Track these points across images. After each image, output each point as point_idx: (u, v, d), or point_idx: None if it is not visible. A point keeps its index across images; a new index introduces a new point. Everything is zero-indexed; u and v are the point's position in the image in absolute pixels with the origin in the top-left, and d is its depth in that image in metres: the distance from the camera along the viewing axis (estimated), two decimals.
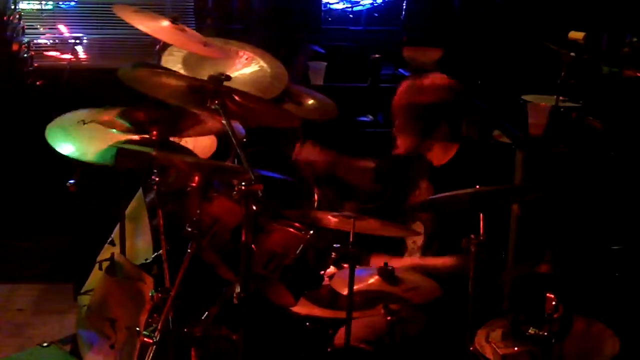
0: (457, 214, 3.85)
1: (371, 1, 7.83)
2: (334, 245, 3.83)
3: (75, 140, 4.20)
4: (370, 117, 6.96)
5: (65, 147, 4.16)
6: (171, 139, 3.95)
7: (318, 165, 4.61)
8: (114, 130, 4.00)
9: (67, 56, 6.92)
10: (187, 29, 4.38)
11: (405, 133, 4.27)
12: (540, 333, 3.45)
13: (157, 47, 4.54)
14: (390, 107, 4.34)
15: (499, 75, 5.98)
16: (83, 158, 4.18)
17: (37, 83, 7.05)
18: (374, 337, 3.91)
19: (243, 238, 3.29)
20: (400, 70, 7.11)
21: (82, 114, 4.33)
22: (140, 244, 4.61)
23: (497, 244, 4.44)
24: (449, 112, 4.23)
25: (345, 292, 3.44)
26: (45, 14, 7.55)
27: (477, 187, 3.56)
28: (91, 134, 4.20)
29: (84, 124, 4.26)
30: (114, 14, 4.43)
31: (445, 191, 3.68)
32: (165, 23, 4.28)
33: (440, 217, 4.10)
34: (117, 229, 4.57)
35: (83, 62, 7.33)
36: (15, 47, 7.01)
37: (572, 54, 4.94)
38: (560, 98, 4.88)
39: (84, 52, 7.35)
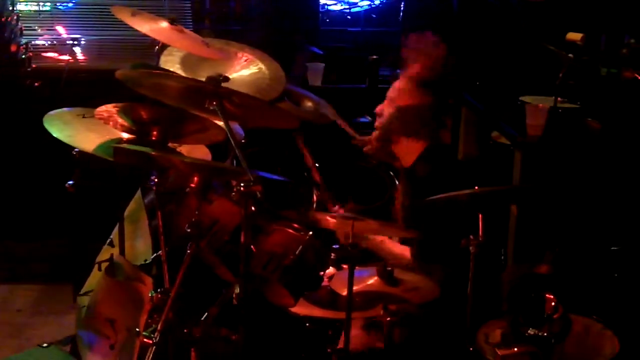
0: (437, 219, 3.87)
1: (369, 2, 7.83)
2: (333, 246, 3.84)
3: (73, 129, 4.19)
4: (369, 118, 6.94)
5: (62, 133, 4.14)
6: (169, 144, 3.93)
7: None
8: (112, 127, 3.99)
9: (65, 57, 6.89)
10: (185, 30, 4.38)
11: (416, 134, 4.23)
12: (540, 334, 3.45)
13: (157, 47, 4.54)
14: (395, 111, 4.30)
15: (497, 76, 5.98)
16: (79, 146, 4.17)
17: (35, 84, 7.04)
18: (368, 346, 3.92)
19: (242, 239, 3.29)
20: (398, 71, 7.10)
21: (82, 109, 4.33)
22: (139, 245, 4.62)
23: (496, 244, 4.45)
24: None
25: (344, 292, 3.44)
26: (43, 15, 7.53)
27: (476, 187, 3.57)
28: (90, 127, 4.19)
29: (84, 117, 4.26)
30: (112, 15, 4.43)
31: (425, 195, 3.69)
32: (164, 24, 4.28)
33: (417, 222, 4.07)
34: (116, 229, 4.57)
35: (81, 63, 7.30)
36: (13, 48, 7.01)
37: (571, 55, 4.94)
38: (559, 99, 4.88)
39: (82, 53, 7.32)
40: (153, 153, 3.65)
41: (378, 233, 3.98)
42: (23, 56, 7.08)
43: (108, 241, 4.75)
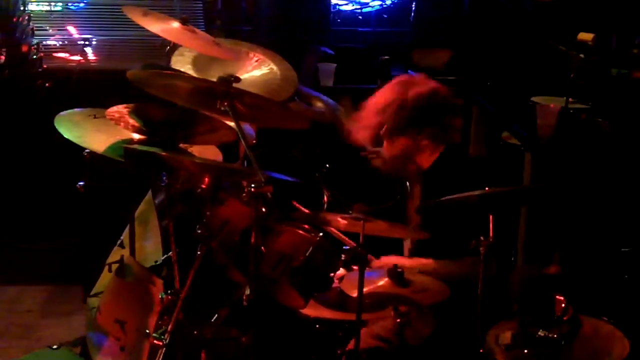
0: (447, 220, 3.86)
1: (380, 2, 7.83)
2: (344, 247, 3.83)
3: (84, 130, 4.18)
4: None
5: (72, 134, 4.13)
6: (180, 145, 3.93)
7: None
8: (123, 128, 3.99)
9: (76, 57, 6.93)
10: (197, 30, 4.39)
11: (398, 135, 4.20)
12: (550, 335, 3.44)
13: (167, 48, 4.54)
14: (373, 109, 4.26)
15: (508, 76, 5.97)
16: (89, 146, 4.17)
17: (46, 84, 7.05)
18: (389, 335, 3.91)
19: (252, 240, 3.29)
20: (409, 71, 7.09)
21: (92, 110, 4.33)
22: (149, 246, 4.62)
23: (505, 245, 4.44)
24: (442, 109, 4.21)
25: (354, 294, 3.44)
26: (54, 16, 7.54)
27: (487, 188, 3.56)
28: (100, 127, 4.19)
29: (95, 117, 4.26)
30: (123, 15, 4.44)
31: (436, 196, 3.68)
32: (175, 24, 4.29)
33: (431, 223, 4.06)
34: (126, 231, 4.58)
35: (92, 64, 7.32)
36: (24, 48, 7.03)
37: (581, 55, 4.93)
38: (569, 99, 4.87)
39: (93, 53, 7.34)
40: (163, 154, 3.65)
41: (387, 234, 3.96)
42: (34, 56, 7.09)
43: (118, 242, 4.75)
